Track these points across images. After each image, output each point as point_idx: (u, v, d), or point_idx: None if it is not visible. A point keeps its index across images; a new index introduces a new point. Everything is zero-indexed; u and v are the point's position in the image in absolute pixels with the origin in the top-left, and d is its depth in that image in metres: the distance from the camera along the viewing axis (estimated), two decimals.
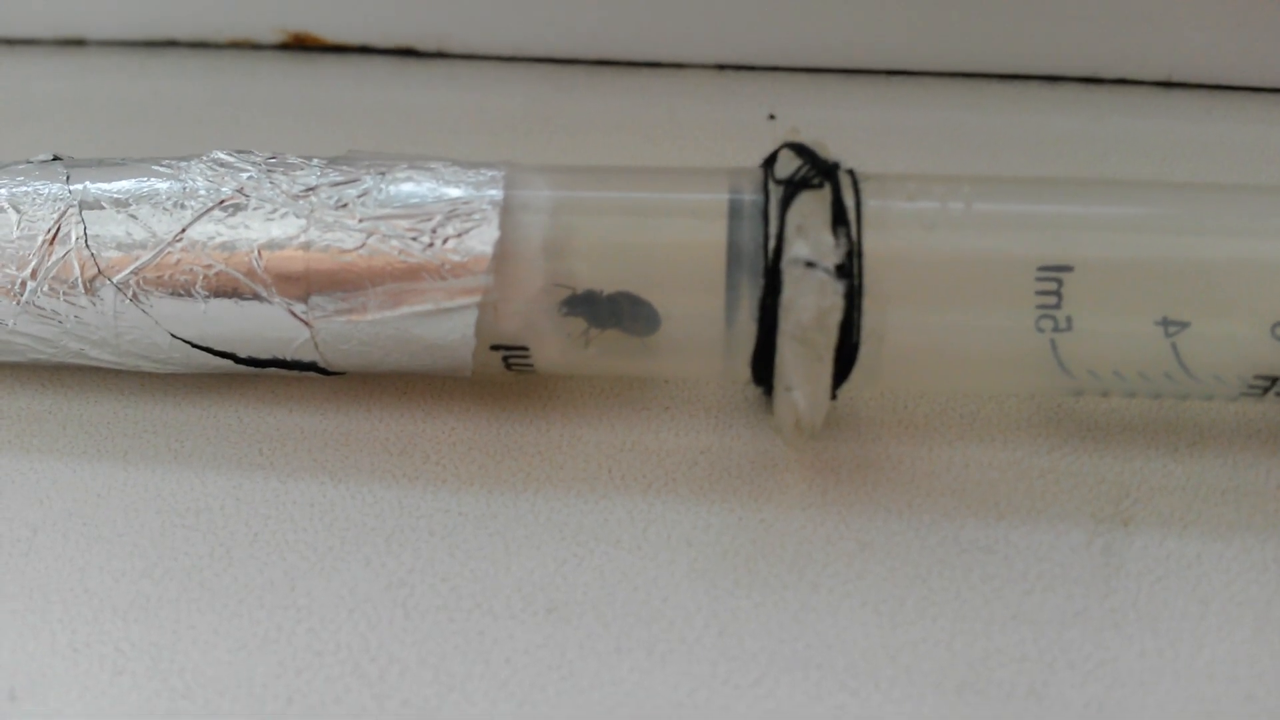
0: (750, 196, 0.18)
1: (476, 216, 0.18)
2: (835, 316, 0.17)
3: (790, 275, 0.17)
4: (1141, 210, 0.19)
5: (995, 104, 0.27)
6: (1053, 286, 0.18)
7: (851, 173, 0.18)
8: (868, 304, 0.17)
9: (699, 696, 0.15)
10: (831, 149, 0.18)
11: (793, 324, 0.17)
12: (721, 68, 0.28)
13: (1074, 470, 0.18)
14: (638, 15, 0.28)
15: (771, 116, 0.27)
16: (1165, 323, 0.18)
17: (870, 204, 0.18)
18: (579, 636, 0.16)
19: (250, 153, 0.19)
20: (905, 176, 0.18)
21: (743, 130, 0.26)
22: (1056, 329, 0.18)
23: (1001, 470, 0.18)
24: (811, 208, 0.17)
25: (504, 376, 0.19)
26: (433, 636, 0.16)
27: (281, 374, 0.19)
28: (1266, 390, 0.18)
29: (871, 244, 0.17)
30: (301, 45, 0.29)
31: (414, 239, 0.18)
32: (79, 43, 0.29)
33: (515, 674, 0.16)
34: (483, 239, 0.18)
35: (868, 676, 0.16)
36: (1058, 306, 0.18)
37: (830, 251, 0.17)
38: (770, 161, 0.18)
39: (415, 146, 0.26)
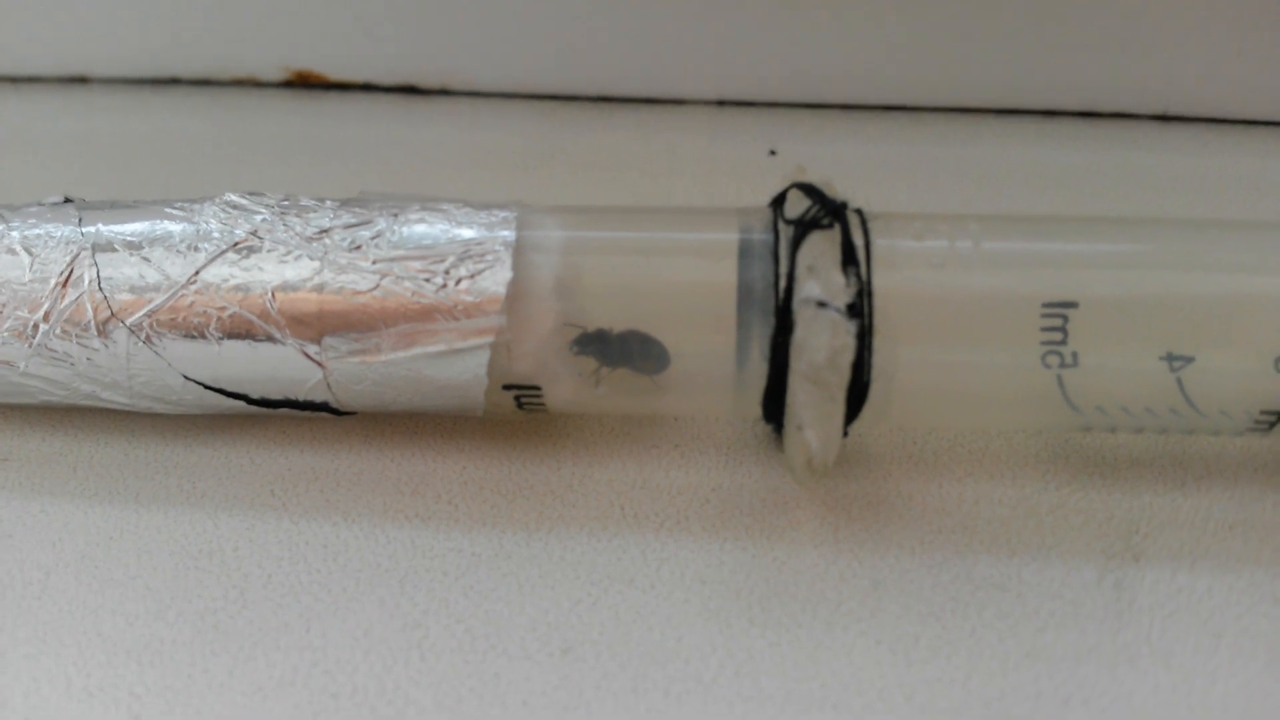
0: (760, 236, 0.18)
1: (489, 257, 0.18)
2: (848, 356, 0.17)
3: (802, 315, 0.17)
4: (1145, 246, 0.19)
5: (993, 138, 0.27)
6: (1058, 323, 0.18)
7: (860, 212, 0.18)
8: (878, 343, 0.18)
9: None
10: (837, 187, 0.19)
11: (805, 364, 0.17)
12: (721, 103, 0.29)
13: (1083, 506, 0.18)
14: (638, 52, 0.28)
15: (772, 152, 0.27)
16: (1170, 358, 0.18)
17: (879, 243, 0.18)
18: (595, 677, 0.16)
19: (263, 195, 0.19)
20: (912, 215, 0.18)
21: (744, 165, 0.26)
22: (1063, 365, 0.18)
23: (1011, 507, 0.18)
24: (821, 248, 0.17)
25: (515, 416, 0.19)
26: (449, 679, 0.16)
27: (294, 414, 0.19)
28: (1273, 425, 0.18)
29: (881, 283, 0.18)
30: (305, 83, 0.29)
31: (427, 280, 0.18)
32: (82, 80, 0.29)
33: (532, 715, 0.16)
34: (496, 279, 0.18)
35: (884, 716, 0.16)
36: (1063, 343, 0.18)
37: (841, 291, 0.17)
38: (779, 201, 0.19)
39: (418, 183, 0.26)
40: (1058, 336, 0.18)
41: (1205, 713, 0.16)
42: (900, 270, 0.18)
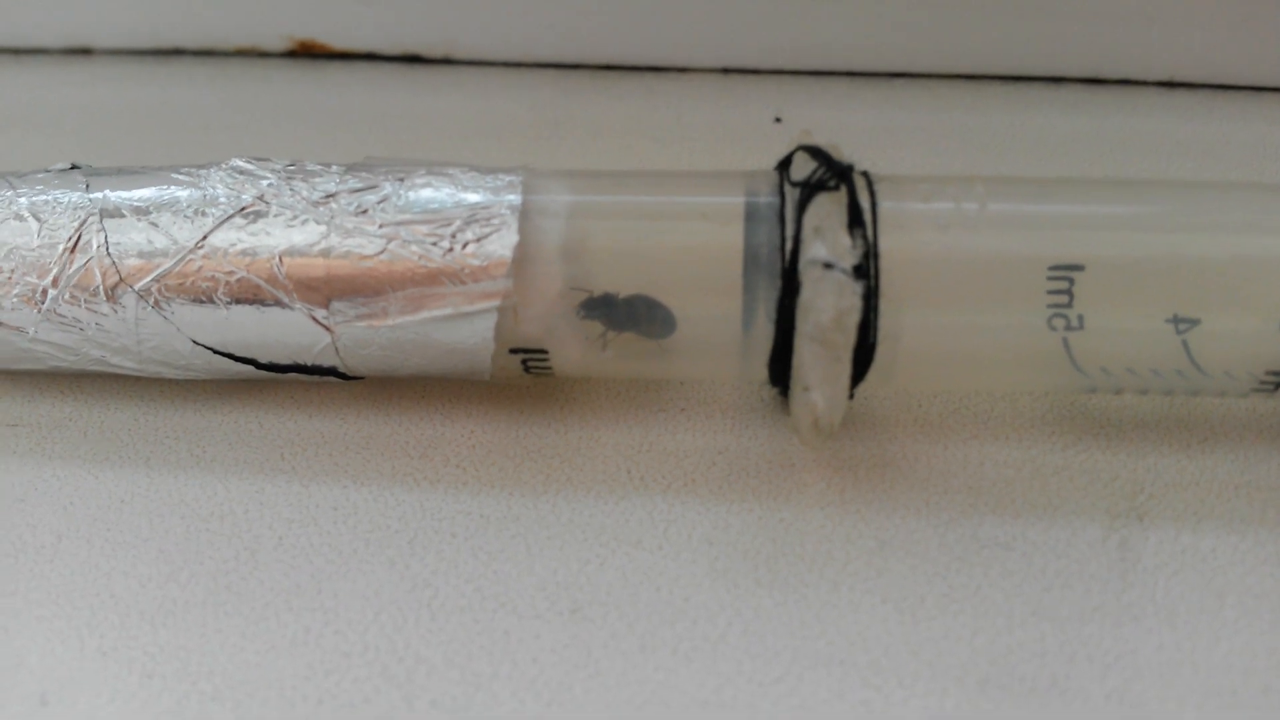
0: (766, 199, 0.18)
1: (495, 221, 0.18)
2: (854, 317, 0.17)
3: (809, 276, 0.17)
4: (1151, 209, 0.19)
5: (998, 105, 0.27)
6: (1064, 286, 0.18)
7: (866, 174, 0.18)
8: (884, 304, 0.18)
9: (724, 694, 0.16)
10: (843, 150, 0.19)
11: (811, 325, 0.17)
12: (727, 71, 0.29)
13: (1088, 467, 0.18)
14: (642, 20, 0.28)
15: (778, 119, 0.27)
16: (1176, 320, 0.18)
17: (885, 205, 0.18)
18: (603, 636, 0.16)
19: (269, 160, 0.19)
20: (919, 178, 0.18)
21: (749, 133, 0.26)
22: (1069, 328, 0.18)
23: (1017, 468, 0.18)
24: (828, 209, 0.17)
25: (522, 380, 0.19)
26: (458, 637, 0.16)
27: (302, 379, 0.19)
28: (1278, 386, 0.18)
29: (887, 245, 0.18)
30: (308, 53, 0.29)
31: (434, 244, 0.18)
32: (86, 51, 0.29)
33: (542, 673, 0.16)
34: (502, 243, 0.18)
35: (891, 673, 0.16)
36: (1069, 305, 0.18)
37: (848, 252, 0.17)
38: (785, 164, 0.19)
39: (423, 152, 0.26)
40: (1064, 299, 0.18)
41: (1209, 671, 0.16)
42: (907, 232, 0.18)
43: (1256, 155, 0.26)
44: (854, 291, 0.17)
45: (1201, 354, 0.18)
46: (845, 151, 0.19)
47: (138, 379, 0.19)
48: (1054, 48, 0.28)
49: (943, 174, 0.26)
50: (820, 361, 0.17)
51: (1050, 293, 0.18)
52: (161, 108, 0.27)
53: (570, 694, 0.16)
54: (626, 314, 0.18)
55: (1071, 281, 0.18)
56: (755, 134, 0.26)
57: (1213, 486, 0.18)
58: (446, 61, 0.29)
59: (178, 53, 0.29)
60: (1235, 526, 0.18)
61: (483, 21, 0.28)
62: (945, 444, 0.19)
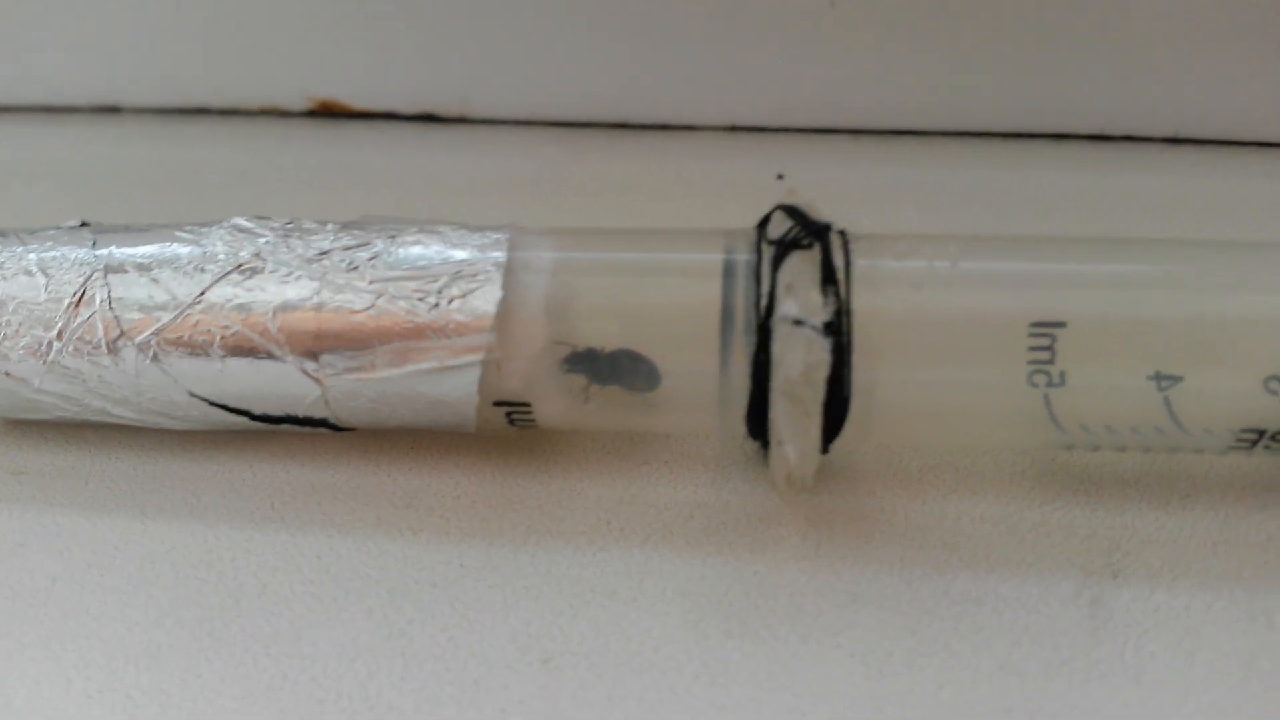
0: (744, 256, 0.18)
1: (480, 278, 0.18)
2: (822, 372, 0.17)
3: (779, 332, 0.17)
4: (1135, 267, 0.19)
5: (1003, 162, 0.27)
6: (1046, 342, 0.18)
7: (843, 233, 0.19)
8: (857, 360, 0.18)
9: None
10: (838, 207, 0.19)
11: (782, 379, 0.17)
12: (733, 129, 0.29)
13: (1065, 523, 0.19)
14: (650, 79, 0.29)
15: (780, 176, 0.28)
16: (1158, 377, 0.18)
17: (860, 263, 0.18)
18: (572, 687, 0.16)
19: (269, 219, 0.20)
20: (895, 236, 0.19)
21: (752, 190, 0.27)
22: (1050, 384, 0.18)
23: (994, 523, 0.19)
24: (800, 267, 0.18)
25: (507, 432, 0.20)
26: (430, 685, 0.16)
27: (295, 430, 0.19)
28: (1255, 443, 0.18)
29: (862, 302, 0.18)
30: (328, 112, 0.30)
31: (420, 300, 0.18)
32: (114, 110, 0.30)
33: None
34: (486, 299, 0.18)
35: None
36: (1051, 362, 0.18)
37: (818, 309, 0.17)
38: (765, 222, 0.19)
39: (436, 208, 0.27)
40: (1046, 355, 0.18)
41: None
42: (881, 289, 0.18)
43: (1262, 211, 0.26)
44: (822, 347, 0.17)
45: (1182, 411, 0.18)
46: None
47: (139, 429, 0.20)
48: (1058, 104, 0.28)
49: (946, 231, 0.26)
50: (791, 416, 0.17)
51: (1032, 349, 0.18)
52: (186, 165, 0.28)
53: None
54: (610, 368, 0.19)
55: (1054, 338, 0.18)
56: (758, 191, 0.27)
57: (1189, 544, 0.18)
58: (461, 120, 0.30)
59: (203, 112, 0.30)
60: (1210, 584, 0.18)
61: (496, 82, 0.29)
62: (923, 499, 0.19)
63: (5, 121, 0.30)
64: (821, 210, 0.19)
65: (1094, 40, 0.27)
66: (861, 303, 0.18)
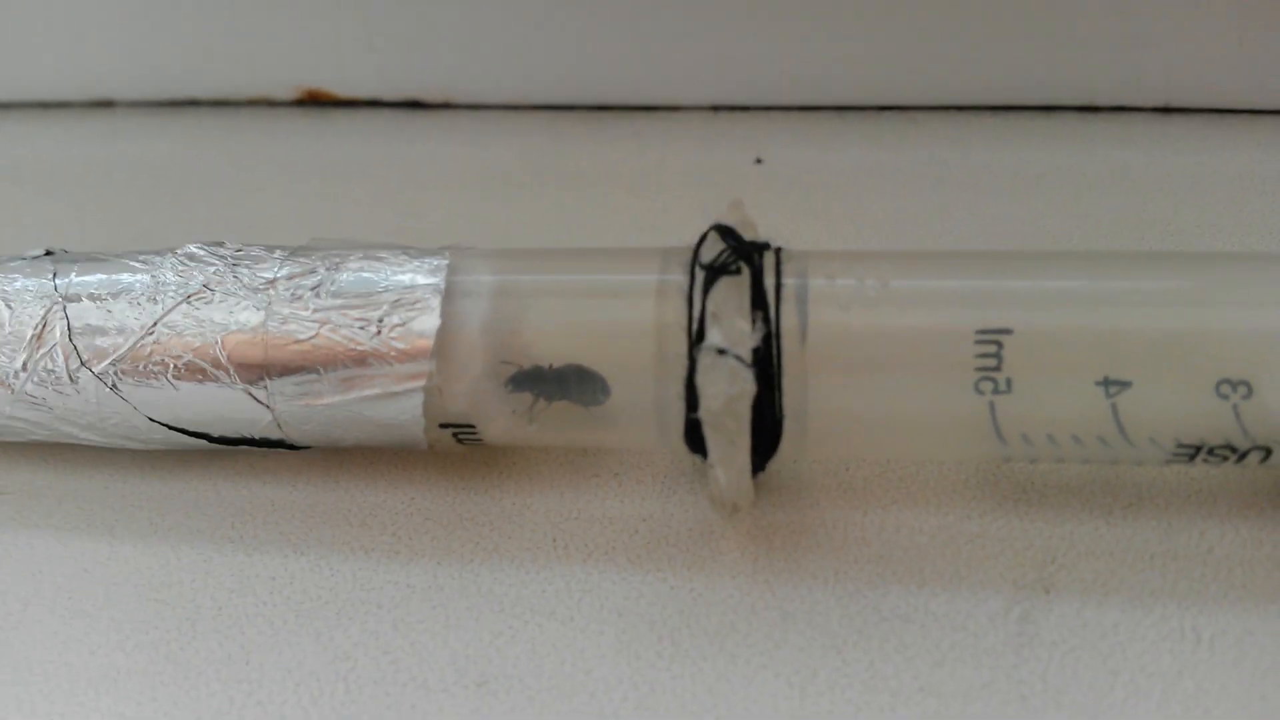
0: (677, 278, 0.19)
1: (419, 305, 0.19)
2: (745, 403, 0.17)
3: (703, 362, 0.17)
4: (1080, 281, 0.19)
5: (989, 136, 0.27)
6: (993, 350, 0.18)
7: (778, 252, 0.19)
8: (789, 382, 0.18)
9: None
10: (821, 184, 0.19)
11: (705, 410, 0.17)
12: (715, 109, 0.29)
13: (1003, 535, 0.19)
14: (633, 62, 0.28)
15: (759, 160, 0.28)
16: (1107, 383, 0.18)
17: (791, 282, 0.18)
18: (504, 710, 0.17)
19: (220, 245, 0.20)
20: (830, 254, 0.19)
21: (731, 172, 0.27)
22: (996, 391, 0.18)
23: (931, 535, 0.19)
24: (729, 294, 0.18)
25: (459, 449, 0.20)
26: (369, 710, 0.17)
27: (254, 450, 0.20)
28: (1193, 457, 0.18)
29: (792, 323, 0.18)
30: (315, 101, 0.30)
31: (362, 328, 0.19)
32: (108, 104, 0.31)
33: None
34: (424, 326, 0.19)
35: None
36: (998, 369, 0.18)
37: (744, 338, 0.18)
38: (702, 241, 0.19)
39: (420, 195, 0.27)
40: (992, 363, 0.18)
41: None
42: (819, 308, 0.18)
43: (1254, 181, 0.25)
44: (745, 378, 0.17)
45: (1129, 419, 0.18)
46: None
47: (109, 449, 0.21)
48: (1045, 76, 0.27)
49: (933, 206, 0.26)
50: (718, 443, 0.18)
51: (979, 356, 0.18)
52: (177, 156, 0.29)
53: None
54: (557, 384, 0.19)
55: (1000, 345, 0.18)
56: (740, 171, 0.27)
57: (1127, 557, 0.18)
58: (446, 106, 0.30)
59: (193, 104, 0.31)
60: (1143, 600, 0.18)
61: (480, 68, 0.29)
62: (864, 510, 0.19)
63: None
64: (757, 227, 0.19)
65: (1081, 9, 0.26)
66: (791, 324, 0.18)
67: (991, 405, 0.18)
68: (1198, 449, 0.18)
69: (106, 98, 0.31)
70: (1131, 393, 0.18)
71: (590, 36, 0.28)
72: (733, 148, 0.28)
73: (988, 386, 0.18)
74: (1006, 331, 0.18)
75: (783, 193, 0.27)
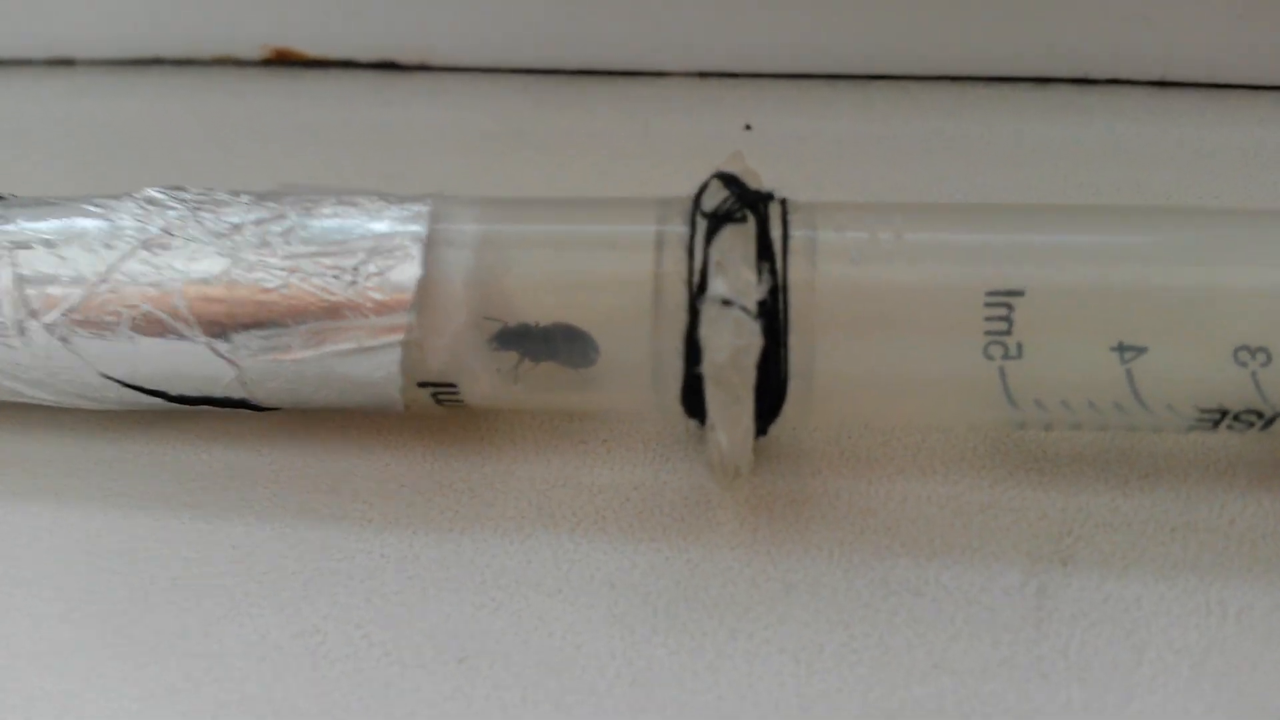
0: (677, 229, 0.17)
1: (399, 253, 0.17)
2: (751, 356, 0.16)
3: (707, 314, 0.16)
4: (1097, 236, 0.18)
5: (982, 108, 0.26)
6: (1003, 312, 0.17)
7: (783, 202, 0.18)
8: (795, 339, 0.17)
9: None
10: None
11: (709, 364, 0.16)
12: (703, 75, 0.28)
13: (1016, 505, 0.18)
14: (616, 24, 0.27)
15: (748, 127, 0.27)
16: (1122, 348, 0.17)
17: (799, 234, 0.17)
18: (486, 688, 0.16)
19: (182, 189, 0.19)
20: (838, 205, 0.18)
21: (720, 139, 0.26)
22: (1007, 356, 0.17)
23: (940, 505, 0.18)
24: (734, 242, 0.17)
25: (438, 411, 0.19)
26: (339, 688, 0.16)
27: (214, 410, 0.19)
28: (1218, 422, 0.17)
29: (800, 277, 0.17)
30: (284, 61, 0.29)
31: (335, 277, 0.17)
32: (68, 62, 0.29)
33: None
34: (405, 276, 0.17)
35: None
36: (1008, 333, 0.17)
37: (750, 289, 0.16)
38: (702, 191, 0.18)
39: (395, 160, 0.26)
40: (1002, 326, 0.17)
41: None
42: (826, 263, 0.17)
43: (1253, 156, 0.24)
44: (752, 331, 0.16)
45: (1145, 385, 0.17)
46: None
47: (59, 408, 0.19)
48: (1040, 47, 0.27)
49: (924, 178, 0.25)
50: (721, 401, 0.17)
51: (988, 320, 0.17)
52: (141, 117, 0.28)
53: None
54: (544, 343, 0.18)
55: (1010, 308, 0.17)
56: (728, 140, 0.26)
57: (1146, 529, 0.17)
58: (422, 68, 0.29)
59: (157, 62, 0.29)
60: (1165, 573, 0.17)
61: (459, 28, 0.28)
62: (870, 479, 0.18)
63: None
64: (761, 177, 0.18)
65: None
66: (800, 278, 0.17)
67: (1002, 370, 0.17)
68: (1222, 415, 0.17)
69: (66, 55, 0.29)
70: (1147, 359, 0.17)
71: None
72: (721, 116, 0.27)
73: (997, 351, 0.17)
74: (1018, 294, 0.17)
75: (772, 162, 0.25)
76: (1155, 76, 0.27)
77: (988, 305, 0.17)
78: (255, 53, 0.29)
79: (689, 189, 0.18)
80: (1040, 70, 0.27)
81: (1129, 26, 0.26)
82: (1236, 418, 0.17)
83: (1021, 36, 0.26)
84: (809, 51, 0.27)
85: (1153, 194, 0.24)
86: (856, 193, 0.24)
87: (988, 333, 0.17)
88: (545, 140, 0.26)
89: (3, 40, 0.29)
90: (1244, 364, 0.17)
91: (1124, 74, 0.27)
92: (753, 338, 0.16)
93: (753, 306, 0.16)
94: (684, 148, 0.26)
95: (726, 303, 0.16)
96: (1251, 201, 0.24)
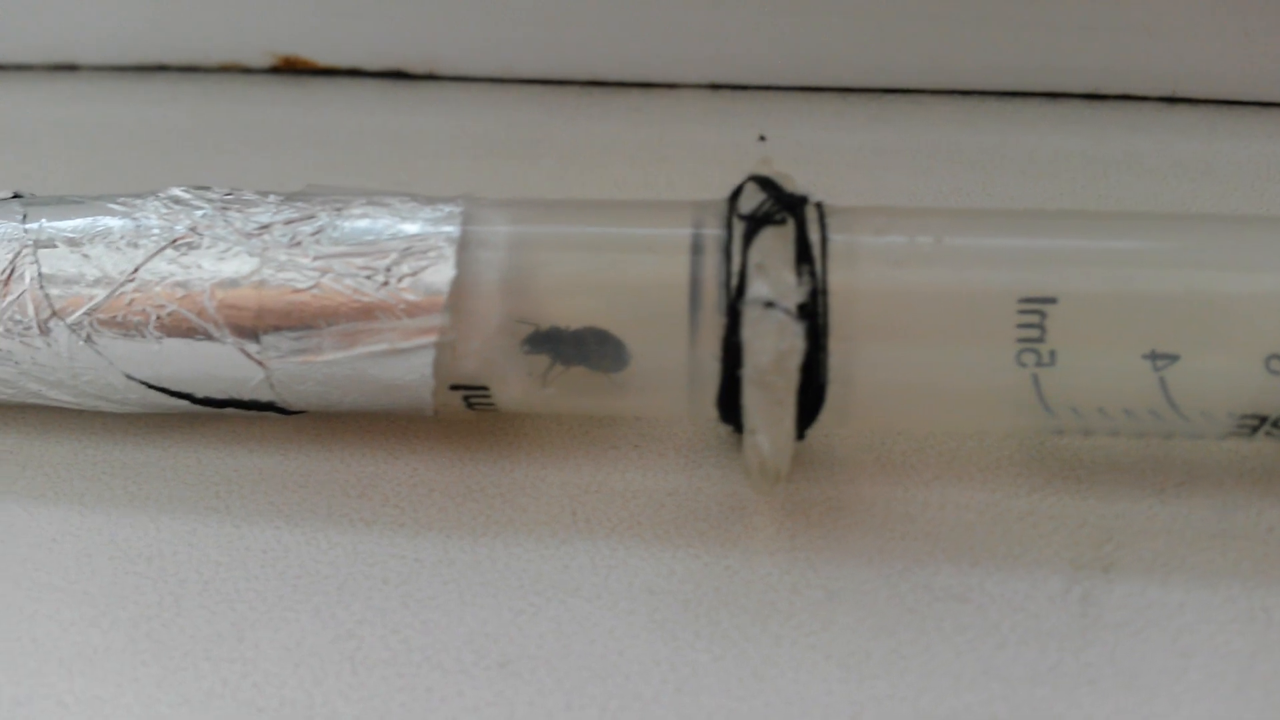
0: (713, 231, 0.17)
1: (432, 254, 0.17)
2: (795, 359, 0.16)
3: (749, 316, 0.16)
4: (1130, 242, 0.18)
5: (995, 122, 0.26)
6: (1036, 320, 0.17)
7: (819, 206, 0.18)
8: (834, 344, 0.17)
9: None
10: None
11: (751, 367, 0.16)
12: (716, 87, 0.28)
13: (1055, 512, 0.18)
14: (629, 36, 0.27)
15: (762, 138, 0.27)
16: (1154, 356, 0.17)
17: (837, 239, 0.17)
18: (530, 693, 0.16)
19: (208, 189, 0.18)
20: (875, 209, 0.18)
21: (734, 151, 0.26)
22: (1039, 364, 0.17)
23: (979, 512, 0.18)
24: (774, 244, 0.17)
25: (468, 415, 0.18)
26: (379, 693, 0.16)
27: (241, 414, 0.18)
28: (1256, 429, 0.17)
29: (839, 281, 0.17)
30: (291, 69, 0.29)
31: (368, 277, 0.17)
32: (71, 68, 0.29)
33: None
34: (439, 277, 0.17)
35: None
36: (1041, 340, 0.17)
37: (791, 291, 0.16)
38: (737, 194, 0.18)
39: (403, 170, 0.26)
40: (1035, 334, 0.17)
41: None
42: (864, 267, 0.17)
43: (1260, 172, 0.25)
44: (795, 332, 0.16)
45: (1179, 392, 0.17)
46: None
47: (79, 412, 0.19)
48: (1052, 62, 0.27)
49: (936, 191, 0.25)
50: (762, 404, 0.16)
51: (1021, 326, 0.17)
52: (145, 124, 0.27)
53: None
54: (575, 347, 0.17)
55: (1043, 315, 0.17)
56: (740, 152, 0.26)
57: (1186, 535, 0.17)
58: (431, 77, 0.28)
59: (162, 69, 0.29)
60: (1207, 580, 0.17)
61: (467, 37, 0.28)
62: (906, 486, 0.18)
63: None
64: (796, 181, 0.18)
65: None
66: (839, 281, 0.17)
67: (1035, 377, 0.17)
68: (1261, 421, 0.17)
69: (70, 61, 0.29)
70: (1179, 367, 0.17)
71: (584, 9, 0.27)
72: (733, 128, 0.27)
73: (1030, 358, 0.17)
74: (1051, 300, 0.17)
75: (787, 173, 0.26)
76: (1166, 92, 0.27)
77: (1020, 312, 0.17)
78: (263, 60, 0.29)
79: (707, 194, 0.18)
80: (1053, 85, 0.27)
81: (1140, 43, 0.26)
82: (1276, 424, 0.17)
83: (1035, 51, 0.27)
84: (822, 64, 0.27)
85: (1162, 207, 0.24)
86: (875, 203, 0.24)
87: (1020, 340, 0.17)
88: (557, 151, 0.26)
89: (7, 45, 0.29)
90: (1276, 372, 0.17)
91: (1135, 89, 0.27)
92: (797, 339, 0.16)
93: (794, 309, 0.16)
94: (697, 159, 0.26)
95: (769, 305, 0.16)
96: (1273, 211, 0.24)
